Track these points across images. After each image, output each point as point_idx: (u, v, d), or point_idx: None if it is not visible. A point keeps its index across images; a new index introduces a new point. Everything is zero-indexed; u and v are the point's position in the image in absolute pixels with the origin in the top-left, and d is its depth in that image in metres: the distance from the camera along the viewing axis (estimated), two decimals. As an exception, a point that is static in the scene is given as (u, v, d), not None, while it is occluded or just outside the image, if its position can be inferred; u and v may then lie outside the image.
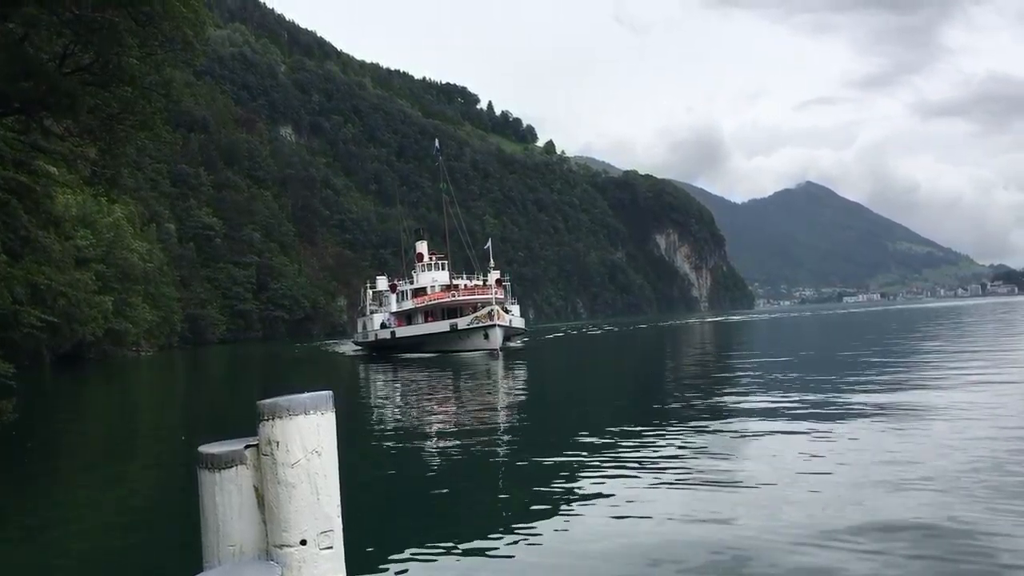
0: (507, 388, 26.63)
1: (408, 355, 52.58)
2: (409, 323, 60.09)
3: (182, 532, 6.67)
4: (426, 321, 58.69)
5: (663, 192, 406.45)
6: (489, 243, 62.99)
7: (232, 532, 2.82)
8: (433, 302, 58.79)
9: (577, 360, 48.64)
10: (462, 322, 52.87)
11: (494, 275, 62.15)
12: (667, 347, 55.06)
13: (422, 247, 67.56)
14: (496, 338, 51.05)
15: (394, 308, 61.84)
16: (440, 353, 51.45)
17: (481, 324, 51.55)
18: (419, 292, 61.17)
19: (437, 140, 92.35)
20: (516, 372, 35.52)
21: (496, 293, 55.35)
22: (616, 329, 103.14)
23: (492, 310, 51.70)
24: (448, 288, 60.62)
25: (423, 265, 64.61)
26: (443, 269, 64.96)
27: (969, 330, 49.81)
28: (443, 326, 54.51)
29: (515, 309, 64.38)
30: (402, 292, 62.74)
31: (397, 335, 57.99)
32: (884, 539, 7.33)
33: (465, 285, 61.93)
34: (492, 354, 48.33)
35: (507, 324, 54.23)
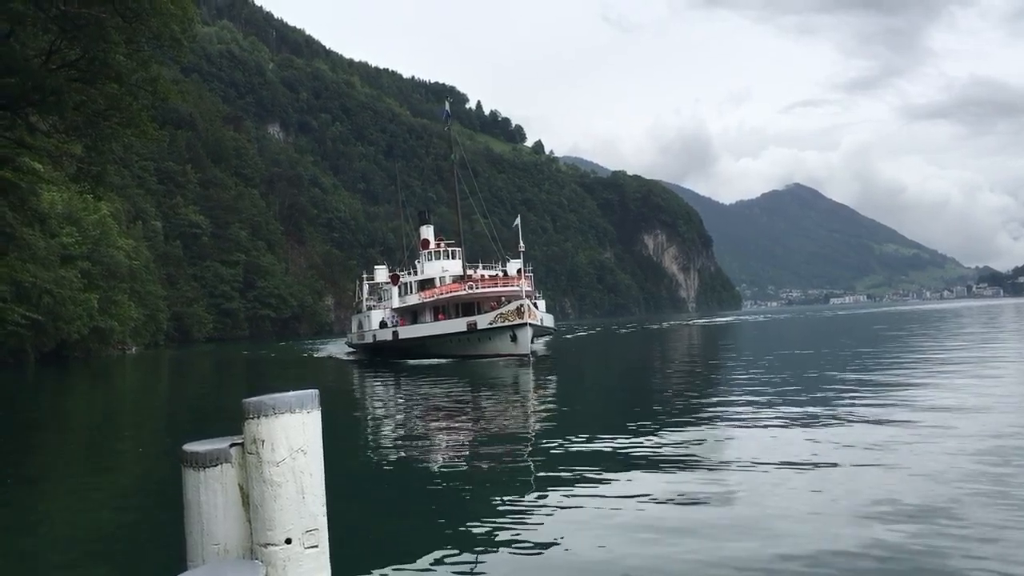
0: (538, 406, 21.65)
1: (414, 361, 44.74)
2: (415, 321, 51.00)
3: (166, 531, 6.64)
4: (436, 319, 49.51)
5: (651, 193, 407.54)
6: (518, 221, 48.72)
7: (216, 531, 2.80)
8: (445, 296, 49.60)
9: (623, 367, 38.04)
10: (482, 320, 43.89)
11: (515, 264, 51.49)
12: (711, 350, 47.00)
13: (428, 232, 57.07)
14: (525, 340, 42.20)
15: (396, 303, 52.64)
16: (455, 358, 43.62)
17: (508, 323, 42.58)
18: (426, 284, 51.84)
19: (448, 104, 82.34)
20: (548, 384, 28.80)
21: (524, 285, 45.22)
22: (624, 330, 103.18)
23: (522, 305, 42.30)
24: (462, 279, 50.65)
25: (429, 253, 54.78)
26: (455, 257, 54.77)
27: (956, 334, 50.06)
28: (458, 325, 45.44)
29: (542, 304, 52.84)
30: (406, 284, 53.01)
31: (400, 336, 48.77)
32: (880, 549, 7.37)
33: (483, 276, 51.66)
34: (521, 360, 39.91)
35: (538, 323, 44.90)
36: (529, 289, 46.67)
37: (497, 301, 46.54)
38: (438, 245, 55.58)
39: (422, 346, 47.13)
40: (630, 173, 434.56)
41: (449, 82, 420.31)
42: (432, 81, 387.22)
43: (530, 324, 42.36)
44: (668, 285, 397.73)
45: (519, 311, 42.15)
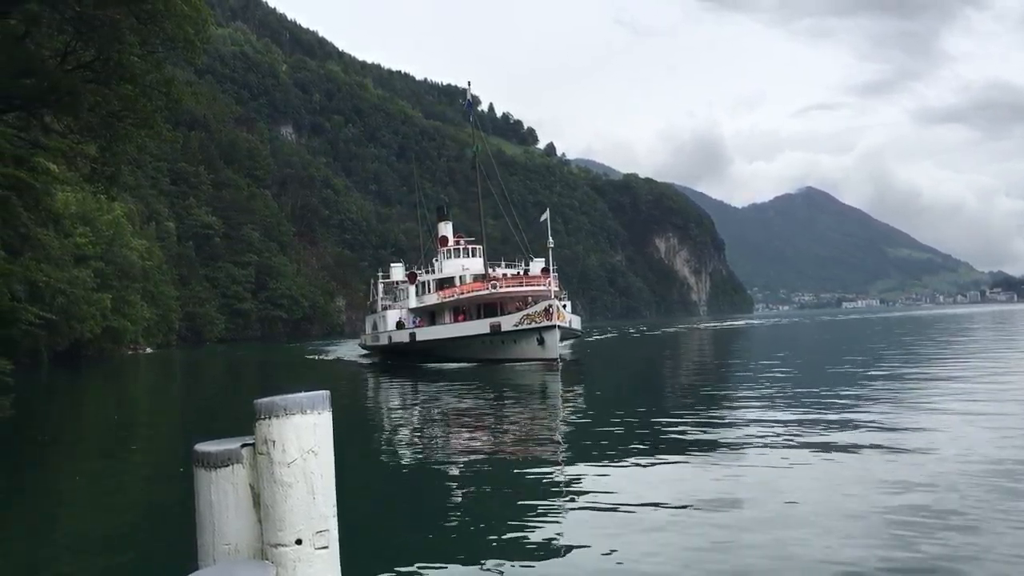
0: (565, 419, 20.04)
1: (433, 364, 42.67)
2: (433, 322, 48.69)
3: (177, 530, 6.66)
4: (456, 320, 47.34)
5: (663, 196, 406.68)
6: (547, 214, 44.01)
7: (227, 531, 2.81)
8: (465, 295, 47.05)
9: (653, 376, 36.53)
10: (507, 322, 41.36)
11: (538, 263, 49.11)
12: (734, 357, 45.56)
13: (446, 228, 54.89)
14: (554, 344, 39.42)
15: (413, 303, 50.12)
16: (476, 362, 41.51)
17: (535, 324, 39.83)
18: (445, 283, 49.46)
19: (469, 93, 79.17)
20: (578, 393, 27.01)
21: (551, 284, 42.37)
22: (644, 332, 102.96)
23: (550, 305, 39.59)
24: (484, 278, 47.76)
25: (448, 250, 52.46)
26: (475, 255, 52.13)
27: (968, 342, 49.66)
28: (480, 327, 42.93)
29: (568, 306, 48.69)
30: (423, 283, 50.46)
31: (418, 338, 46.34)
32: (888, 560, 7.35)
33: (506, 275, 48.51)
34: (550, 366, 37.72)
35: (567, 325, 42.23)
36: (556, 289, 43.15)
37: (523, 301, 44.31)
38: (457, 242, 53.26)
39: (441, 348, 44.63)
40: (642, 176, 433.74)
41: (462, 84, 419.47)
42: (445, 83, 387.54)
43: (559, 326, 39.63)
44: (680, 288, 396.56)
45: (547, 312, 39.56)
